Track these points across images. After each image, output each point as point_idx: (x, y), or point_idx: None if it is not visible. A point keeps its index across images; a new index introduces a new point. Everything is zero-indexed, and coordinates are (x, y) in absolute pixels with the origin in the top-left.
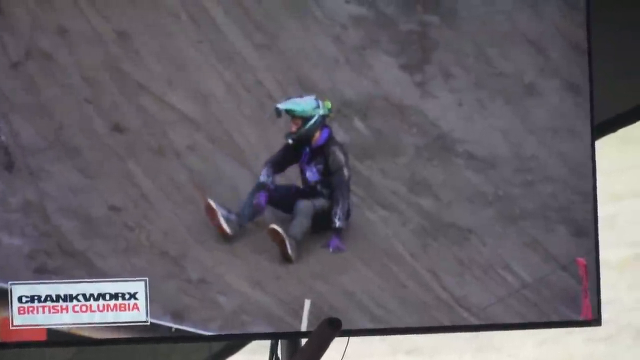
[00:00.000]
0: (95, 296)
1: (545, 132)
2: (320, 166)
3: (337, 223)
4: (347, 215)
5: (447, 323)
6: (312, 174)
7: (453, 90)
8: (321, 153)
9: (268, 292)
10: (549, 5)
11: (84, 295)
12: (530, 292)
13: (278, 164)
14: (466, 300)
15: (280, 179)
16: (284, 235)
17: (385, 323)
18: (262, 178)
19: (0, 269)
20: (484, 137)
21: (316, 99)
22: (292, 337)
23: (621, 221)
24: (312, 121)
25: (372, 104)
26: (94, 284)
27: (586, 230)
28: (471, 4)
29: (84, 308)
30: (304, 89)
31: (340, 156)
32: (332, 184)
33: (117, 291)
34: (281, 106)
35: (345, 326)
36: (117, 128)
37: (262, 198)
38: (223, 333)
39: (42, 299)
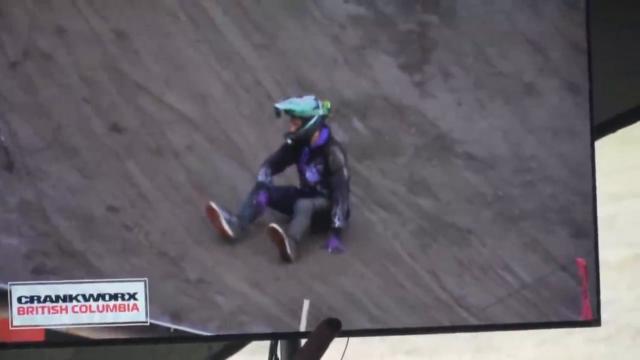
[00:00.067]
0: (95, 296)
1: (544, 132)
2: (320, 166)
3: (337, 223)
4: (347, 215)
5: (446, 323)
6: (311, 174)
7: (452, 90)
8: (321, 153)
9: (267, 292)
10: (548, 4)
11: (83, 296)
12: (530, 292)
13: (276, 164)
14: (466, 300)
15: (279, 180)
16: (284, 235)
17: (385, 323)
18: (261, 178)
19: None
20: (484, 137)
21: (315, 99)
22: (292, 337)
23: (621, 221)
24: (312, 121)
25: (371, 103)
26: (93, 284)
27: (586, 231)
28: (470, 4)
29: (83, 308)
30: (303, 89)
31: (340, 156)
32: (331, 184)
33: (116, 291)
34: (280, 106)
35: (344, 327)
36: (116, 128)
37: (262, 197)
38: (222, 333)
39: (42, 299)
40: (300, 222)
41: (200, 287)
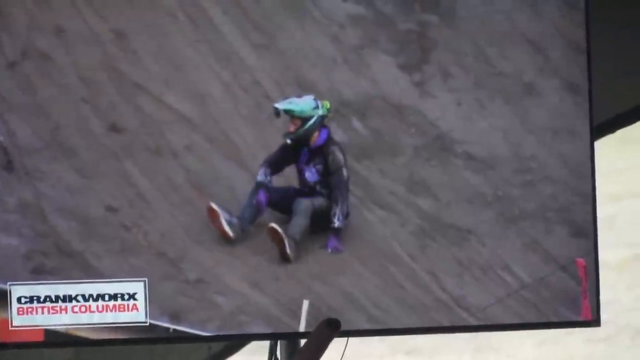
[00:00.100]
0: (95, 297)
1: (544, 132)
2: (320, 166)
3: (336, 223)
4: (346, 215)
5: (446, 324)
6: (311, 174)
7: (452, 90)
8: (320, 153)
9: (266, 292)
10: (548, 4)
11: (83, 296)
12: (530, 292)
13: (275, 164)
14: (465, 300)
15: (278, 180)
16: (283, 235)
17: (384, 323)
18: (260, 178)
19: None
20: (483, 137)
21: (315, 99)
22: (291, 337)
23: (620, 222)
24: (311, 121)
25: (370, 103)
26: (93, 284)
27: (585, 231)
28: (470, 4)
29: (83, 309)
30: (302, 88)
31: (340, 156)
32: (331, 184)
33: (116, 292)
34: (280, 106)
35: (344, 327)
36: (114, 128)
37: (261, 196)
38: (221, 333)
39: (41, 299)
40: (300, 222)
41: (200, 287)
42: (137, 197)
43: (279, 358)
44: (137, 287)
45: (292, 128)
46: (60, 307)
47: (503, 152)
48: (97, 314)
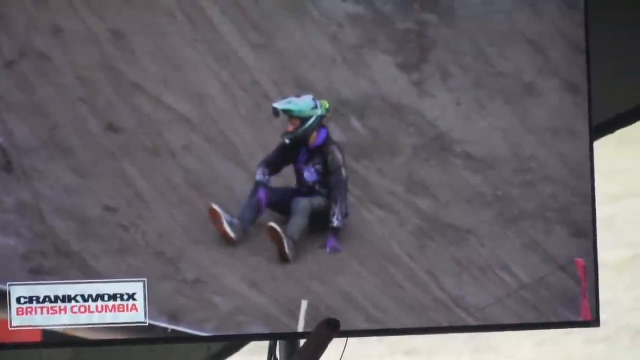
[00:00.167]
0: (94, 297)
1: (544, 132)
2: (319, 166)
3: (335, 223)
4: (345, 215)
5: (445, 324)
6: (310, 174)
7: (451, 89)
8: (319, 153)
9: (265, 292)
10: (548, 4)
11: (82, 296)
12: (529, 293)
13: (274, 164)
14: (464, 301)
15: (277, 181)
16: (282, 235)
17: (383, 324)
18: (259, 177)
19: None
20: (483, 137)
21: (314, 99)
22: (291, 338)
23: (619, 222)
24: (310, 122)
25: (369, 103)
26: (92, 284)
27: (585, 231)
28: (470, 3)
29: (82, 309)
30: (301, 88)
31: (339, 156)
32: (330, 183)
33: (115, 292)
34: (279, 106)
35: (343, 327)
36: (112, 128)
37: (261, 194)
38: (220, 334)
39: (41, 300)
40: (299, 222)
41: (198, 288)
42: (135, 197)
43: (279, 358)
44: (137, 288)
45: (291, 128)
46: (60, 307)
47: (502, 152)
48: (96, 314)
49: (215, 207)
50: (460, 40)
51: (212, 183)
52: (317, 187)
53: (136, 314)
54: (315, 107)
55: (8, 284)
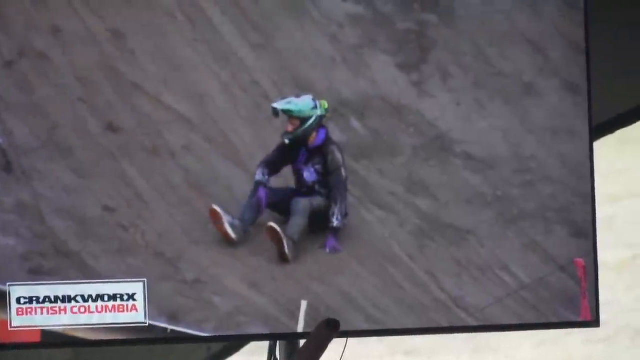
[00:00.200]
0: (94, 297)
1: (544, 132)
2: (319, 166)
3: (335, 223)
4: (345, 215)
5: (444, 324)
6: (310, 175)
7: (451, 89)
8: (319, 153)
9: (264, 293)
10: (548, 4)
11: (82, 297)
12: (529, 293)
13: (273, 165)
14: (464, 301)
15: (277, 181)
16: (282, 235)
17: (383, 324)
18: (258, 177)
19: None
20: (483, 137)
21: (314, 99)
22: (290, 338)
23: (619, 222)
24: (310, 122)
25: (369, 103)
26: (92, 285)
27: (585, 231)
28: (469, 3)
29: (82, 309)
30: (301, 88)
31: (339, 156)
32: (329, 183)
33: (115, 292)
34: (278, 106)
35: (342, 327)
36: (112, 128)
37: (261, 193)
38: (220, 334)
39: (41, 300)
40: (298, 222)
41: (197, 288)
42: (135, 197)
43: (278, 358)
44: (137, 288)
45: (290, 128)
46: (60, 307)
47: (502, 152)
48: (96, 314)
49: (216, 207)
50: (460, 40)
51: (212, 183)
52: (316, 187)
53: (136, 314)
54: (315, 107)
55: (8, 284)
